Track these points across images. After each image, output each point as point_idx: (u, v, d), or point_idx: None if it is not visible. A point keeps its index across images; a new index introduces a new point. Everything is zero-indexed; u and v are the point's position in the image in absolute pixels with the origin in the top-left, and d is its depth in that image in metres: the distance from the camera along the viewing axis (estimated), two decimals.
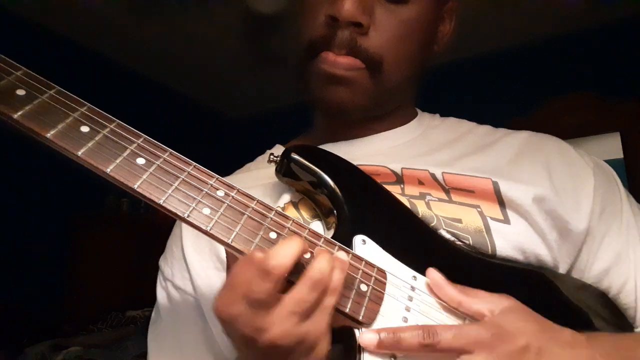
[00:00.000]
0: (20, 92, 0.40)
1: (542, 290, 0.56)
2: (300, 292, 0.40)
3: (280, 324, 0.39)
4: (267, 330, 0.39)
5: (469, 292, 0.48)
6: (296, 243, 0.41)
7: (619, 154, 2.20)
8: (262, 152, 0.76)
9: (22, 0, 2.52)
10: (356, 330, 0.44)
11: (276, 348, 0.39)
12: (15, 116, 0.39)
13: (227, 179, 0.48)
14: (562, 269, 0.58)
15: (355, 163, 0.61)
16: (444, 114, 0.76)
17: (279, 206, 0.59)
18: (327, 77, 0.61)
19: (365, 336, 0.43)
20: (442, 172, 0.61)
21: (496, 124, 0.72)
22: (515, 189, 0.59)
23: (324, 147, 0.68)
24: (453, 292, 0.47)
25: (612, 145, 2.22)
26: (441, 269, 0.49)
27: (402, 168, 0.62)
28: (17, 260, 2.49)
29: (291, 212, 0.58)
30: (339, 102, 0.62)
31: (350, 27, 0.59)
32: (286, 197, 0.60)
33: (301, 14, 0.65)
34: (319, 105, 0.67)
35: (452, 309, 0.48)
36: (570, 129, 2.25)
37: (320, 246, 0.46)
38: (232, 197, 0.45)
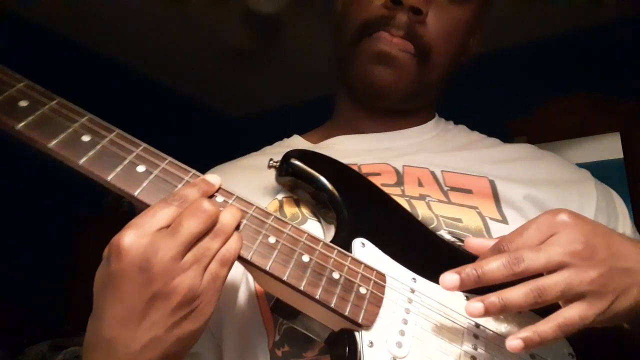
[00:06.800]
0: (23, 103, 0.41)
1: None
2: (189, 224, 0.39)
3: (184, 269, 0.38)
4: (176, 280, 0.38)
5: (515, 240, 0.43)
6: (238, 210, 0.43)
7: (619, 154, 2.19)
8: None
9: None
10: (356, 333, 0.44)
11: (183, 305, 0.39)
12: (17, 127, 0.40)
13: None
14: None
15: (358, 163, 0.62)
16: (444, 113, 0.78)
17: (276, 198, 0.59)
18: (379, 54, 0.62)
19: (472, 306, 0.42)
20: (442, 171, 0.62)
21: (496, 124, 0.74)
22: (510, 187, 0.60)
23: (339, 139, 0.70)
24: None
25: (612, 145, 2.21)
26: (441, 271, 0.50)
27: (403, 165, 0.63)
28: (17, 260, 2.49)
29: (290, 208, 0.58)
30: (383, 82, 0.63)
31: (409, 13, 0.61)
32: (285, 192, 0.60)
33: None
34: (360, 85, 0.66)
35: (452, 311, 0.48)
36: (570, 129, 2.25)
37: (320, 251, 0.46)
38: (230, 204, 0.45)
